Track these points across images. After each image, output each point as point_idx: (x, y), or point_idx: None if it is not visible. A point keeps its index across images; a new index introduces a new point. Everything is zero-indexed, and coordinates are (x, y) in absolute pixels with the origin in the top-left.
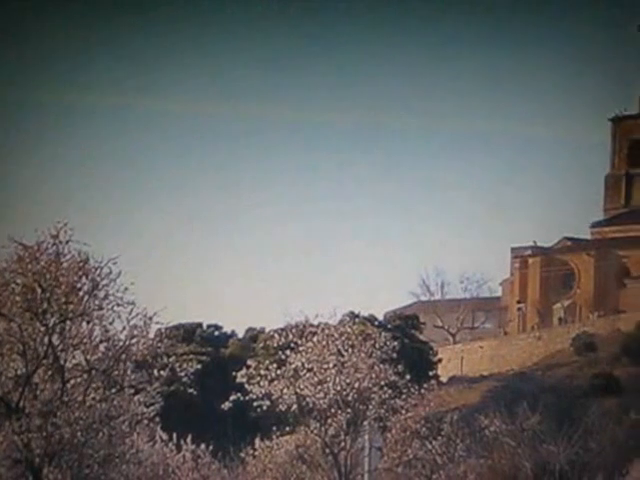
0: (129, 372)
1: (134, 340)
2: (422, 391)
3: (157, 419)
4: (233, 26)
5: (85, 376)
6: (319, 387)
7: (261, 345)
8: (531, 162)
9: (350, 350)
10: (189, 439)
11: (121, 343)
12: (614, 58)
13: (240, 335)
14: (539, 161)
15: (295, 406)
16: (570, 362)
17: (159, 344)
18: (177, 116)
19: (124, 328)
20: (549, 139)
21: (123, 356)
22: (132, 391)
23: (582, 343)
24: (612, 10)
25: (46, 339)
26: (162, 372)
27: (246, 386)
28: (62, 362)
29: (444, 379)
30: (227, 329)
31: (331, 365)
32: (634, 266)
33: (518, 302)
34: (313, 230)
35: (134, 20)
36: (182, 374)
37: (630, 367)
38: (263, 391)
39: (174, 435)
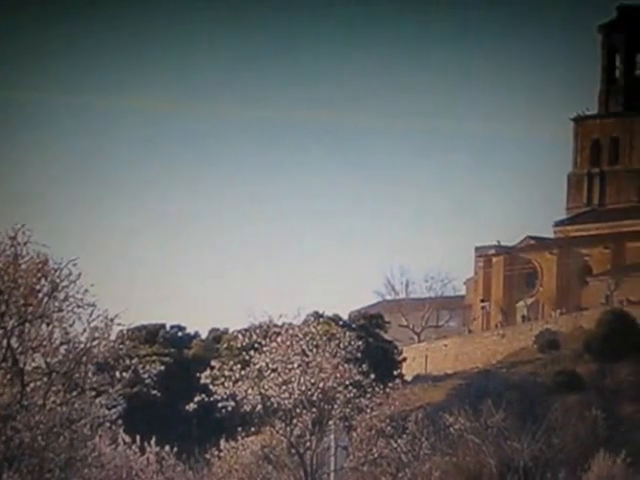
0: (90, 374)
1: (95, 342)
2: (387, 390)
3: (120, 421)
4: (196, 24)
5: (45, 379)
6: (284, 387)
7: (225, 346)
8: (495, 161)
9: (314, 350)
10: (153, 441)
11: (82, 345)
12: (577, 58)
13: (204, 336)
14: (502, 160)
15: (260, 406)
16: (533, 359)
17: (121, 346)
18: (139, 115)
19: (85, 330)
20: (512, 139)
21: (84, 358)
22: (94, 394)
23: (545, 341)
24: (575, 10)
25: (4, 342)
26: (124, 374)
27: (210, 387)
28: (21, 365)
29: (409, 378)
30: (190, 330)
31: (295, 365)
32: (596, 264)
33: (482, 301)
34: (277, 230)
35: (93, 17)
36: (145, 376)
37: (592, 364)
38: (227, 392)
39: (137, 437)
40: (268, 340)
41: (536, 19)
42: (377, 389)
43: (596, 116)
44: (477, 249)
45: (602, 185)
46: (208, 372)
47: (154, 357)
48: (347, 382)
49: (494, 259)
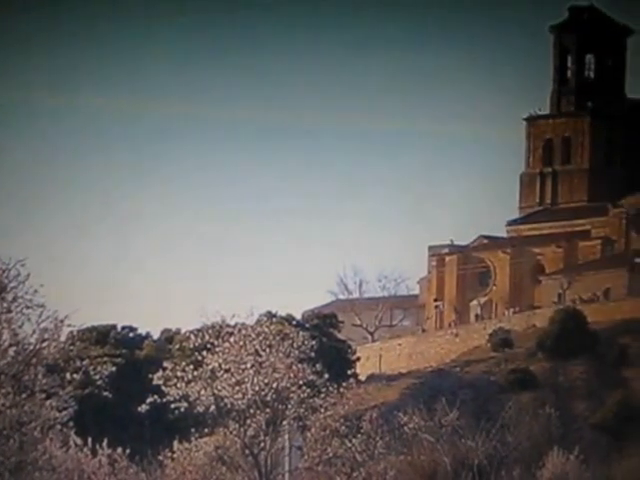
0: (40, 376)
1: (45, 343)
2: (341, 390)
3: (71, 424)
4: (148, 23)
5: None
6: (237, 388)
7: (177, 346)
8: (448, 161)
9: (268, 350)
10: (105, 443)
11: (31, 347)
12: (529, 59)
13: (155, 336)
14: (455, 160)
15: (213, 407)
16: (487, 358)
17: (71, 347)
18: (84, 113)
19: (34, 331)
20: (465, 139)
21: (34, 360)
22: (44, 396)
23: (499, 339)
24: (527, 11)
25: None
26: (75, 376)
27: (163, 388)
28: None
29: (363, 377)
30: (142, 330)
31: (249, 365)
32: (548, 263)
33: (435, 300)
34: (230, 229)
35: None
36: (96, 377)
37: (545, 362)
38: (180, 393)
39: (89, 440)
40: (221, 340)
41: (488, 19)
42: (331, 389)
43: (548, 116)
44: (430, 248)
45: (554, 185)
46: (160, 373)
47: (105, 358)
48: (301, 382)
49: (447, 258)
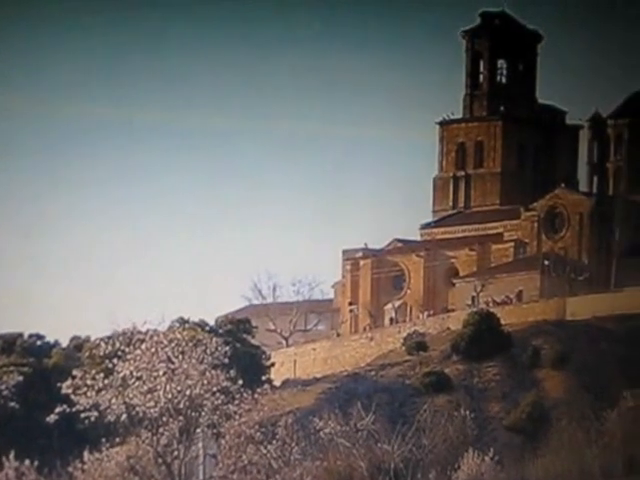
0: None
1: None
2: (255, 396)
3: None
4: (99, 26)
5: None
6: (149, 396)
7: (87, 354)
8: (361, 164)
9: (180, 357)
10: (12, 455)
11: None
12: (443, 62)
13: (64, 344)
14: (369, 163)
15: (125, 416)
16: (402, 361)
17: None
18: (19, 114)
19: None
20: (379, 142)
21: None
22: None
23: (413, 342)
24: (440, 15)
25: None
26: None
27: (72, 397)
28: None
29: (277, 383)
30: (50, 338)
31: (161, 373)
32: (462, 266)
33: (350, 304)
34: (140, 233)
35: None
36: (2, 387)
37: (460, 364)
38: (90, 402)
39: None
40: (132, 347)
41: (402, 22)
42: (245, 395)
43: (461, 120)
44: (345, 252)
45: (467, 188)
46: (69, 382)
47: (12, 367)
48: (214, 389)
49: (361, 262)
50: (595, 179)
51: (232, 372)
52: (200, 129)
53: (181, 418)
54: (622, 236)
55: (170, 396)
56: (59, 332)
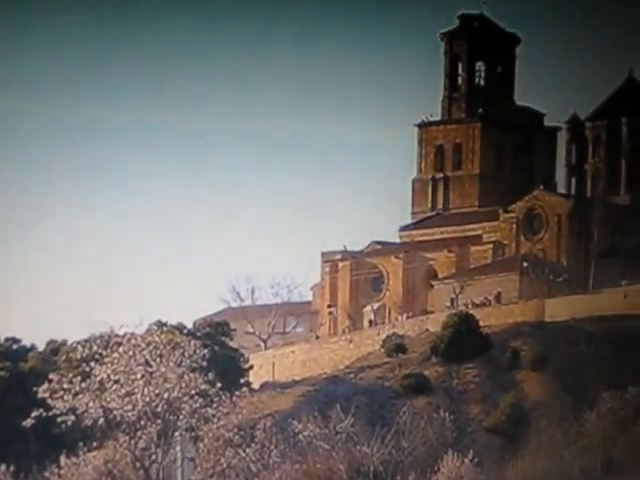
0: None
1: None
2: (234, 399)
3: None
4: (95, 28)
5: None
6: (127, 399)
7: (63, 358)
8: (339, 166)
9: (158, 360)
10: None
11: None
12: (422, 64)
13: (40, 348)
14: (347, 165)
15: (102, 420)
16: (381, 364)
17: None
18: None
19: None
20: (357, 144)
21: None
22: None
23: (392, 344)
24: (419, 16)
25: None
26: None
27: (49, 401)
28: None
29: (256, 385)
30: (26, 342)
31: (139, 376)
32: (441, 268)
33: (329, 306)
34: (117, 235)
35: None
36: None
37: (439, 366)
38: (67, 406)
39: None
40: (109, 351)
41: (382, 23)
42: (224, 398)
43: (439, 122)
44: (323, 254)
45: (446, 190)
46: (46, 386)
47: None
48: (193, 392)
49: (340, 264)
50: (573, 181)
51: (210, 375)
52: (177, 130)
53: (159, 422)
54: (600, 237)
55: (148, 399)
56: (35, 336)
